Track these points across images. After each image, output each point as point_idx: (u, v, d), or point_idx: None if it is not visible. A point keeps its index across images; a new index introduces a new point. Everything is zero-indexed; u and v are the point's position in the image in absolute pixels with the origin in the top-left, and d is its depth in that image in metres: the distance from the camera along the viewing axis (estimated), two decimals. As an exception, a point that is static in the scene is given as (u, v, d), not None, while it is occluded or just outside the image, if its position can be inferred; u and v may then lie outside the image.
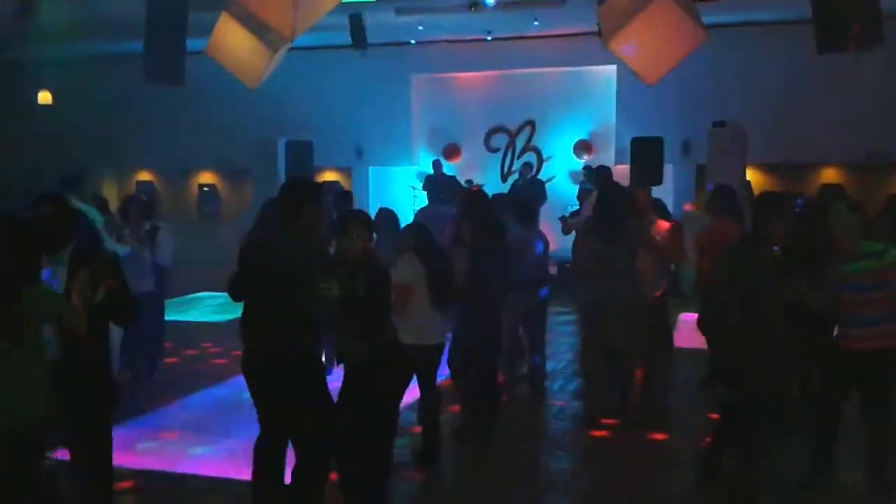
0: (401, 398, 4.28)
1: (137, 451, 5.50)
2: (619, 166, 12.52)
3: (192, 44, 8.29)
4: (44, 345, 3.40)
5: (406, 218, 12.70)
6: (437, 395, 5.21)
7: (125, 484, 4.90)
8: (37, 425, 3.34)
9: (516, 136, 15.44)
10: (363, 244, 4.10)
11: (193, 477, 5.10)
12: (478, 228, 5.56)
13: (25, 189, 10.19)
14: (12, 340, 3.25)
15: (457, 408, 6.09)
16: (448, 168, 14.61)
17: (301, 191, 4.11)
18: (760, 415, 4.25)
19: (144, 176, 17.14)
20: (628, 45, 6.43)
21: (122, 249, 6.57)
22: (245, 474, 4.29)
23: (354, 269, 4.04)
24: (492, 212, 5.98)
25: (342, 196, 8.41)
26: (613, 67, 13.45)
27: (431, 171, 14.12)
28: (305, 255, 3.96)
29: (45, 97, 14.16)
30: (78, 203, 6.44)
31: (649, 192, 6.85)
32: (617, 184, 7.65)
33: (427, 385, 5.15)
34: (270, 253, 4.02)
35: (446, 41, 14.94)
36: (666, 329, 6.96)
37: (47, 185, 7.74)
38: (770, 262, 4.31)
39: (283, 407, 4.05)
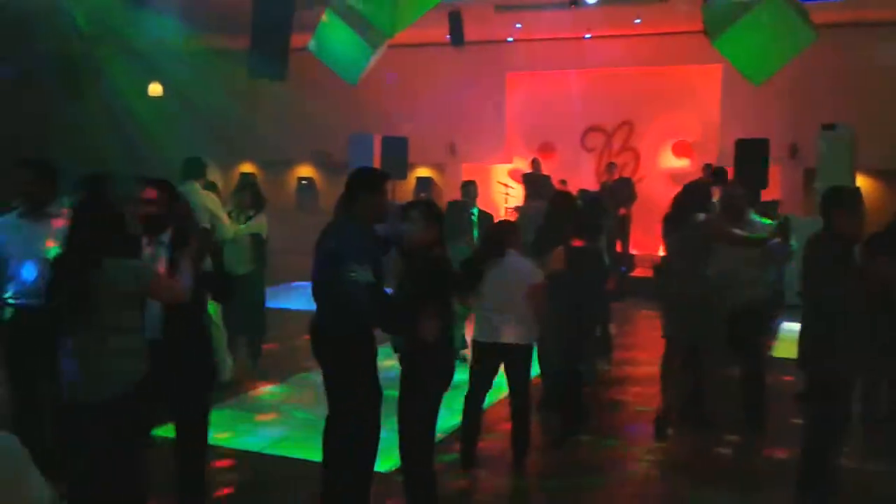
0: (438, 390, 4.12)
1: (235, 431, 5.70)
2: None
3: (296, 40, 8.52)
4: (123, 319, 3.48)
5: (498, 215, 12.72)
6: (523, 394, 5.19)
7: (223, 462, 5.09)
8: (120, 400, 3.42)
9: (613, 136, 15.21)
10: (425, 234, 4.05)
11: (287, 459, 5.24)
12: (573, 228, 5.53)
13: (137, 177, 10.66)
14: (89, 313, 3.38)
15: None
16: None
17: (359, 179, 4.11)
18: (835, 407, 4.25)
19: (247, 167, 17.72)
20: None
21: (225, 231, 6.89)
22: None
23: (412, 257, 4.05)
24: (585, 212, 5.97)
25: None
26: (719, 66, 13.08)
27: (526, 170, 14.05)
28: (352, 239, 3.95)
29: (155, 89, 14.79)
30: (199, 190, 6.75)
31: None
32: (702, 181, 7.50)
33: (517, 385, 5.14)
34: (322, 236, 4.08)
35: (544, 39, 14.85)
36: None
37: (155, 174, 8.08)
38: (835, 254, 4.28)
39: (328, 388, 4.11)
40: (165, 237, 3.90)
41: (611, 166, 13.54)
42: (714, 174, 9.45)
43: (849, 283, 4.27)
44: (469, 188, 8.66)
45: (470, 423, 5.08)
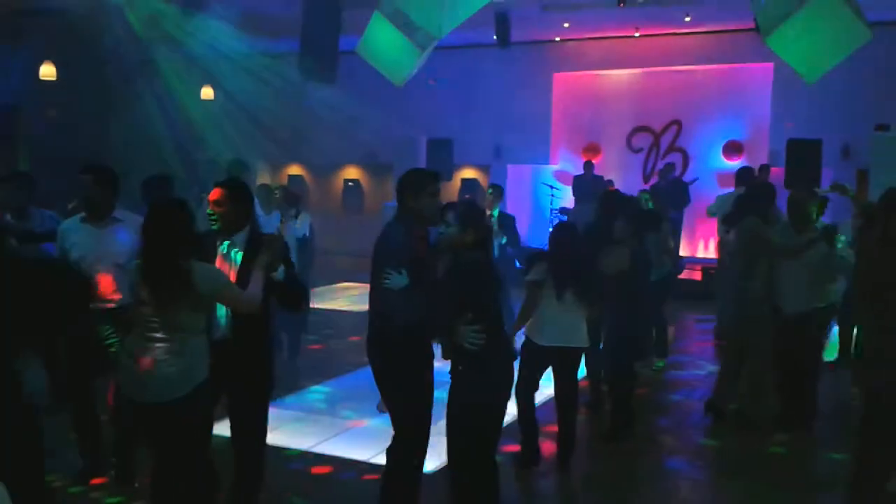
0: (487, 401, 3.97)
1: (282, 430, 5.78)
2: (773, 169, 11.97)
3: (344, 42, 8.63)
4: (198, 322, 3.55)
5: (543, 216, 12.68)
6: (575, 396, 5.18)
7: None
8: (184, 401, 3.46)
9: (661, 136, 15.03)
10: (461, 237, 3.94)
11: (334, 457, 5.30)
12: (634, 226, 5.53)
13: (189, 178, 10.91)
14: (169, 315, 3.44)
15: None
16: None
17: (404, 181, 4.07)
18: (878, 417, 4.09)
19: (295, 170, 17.93)
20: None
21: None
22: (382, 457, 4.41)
23: (449, 260, 3.98)
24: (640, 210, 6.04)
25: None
26: (770, 65, 12.86)
27: (573, 172, 13.97)
28: (390, 243, 3.93)
29: (207, 92, 15.05)
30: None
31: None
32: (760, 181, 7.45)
33: (569, 387, 5.13)
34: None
35: (592, 38, 14.74)
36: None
37: (208, 175, 8.28)
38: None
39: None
40: (240, 238, 3.87)
41: (668, 167, 13.40)
42: (738, 174, 9.23)
43: None
44: (494, 191, 8.61)
45: (526, 421, 5.09)
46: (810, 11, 6.12)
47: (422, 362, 4.05)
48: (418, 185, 4.03)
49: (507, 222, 8.27)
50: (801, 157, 10.90)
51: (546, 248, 5.25)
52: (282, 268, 3.83)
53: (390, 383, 4.03)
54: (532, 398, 5.10)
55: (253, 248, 3.81)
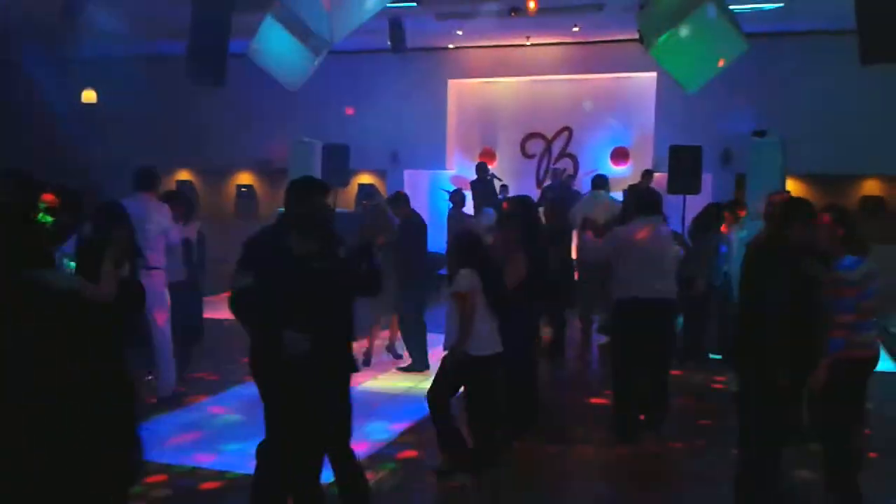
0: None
1: (169, 445, 5.58)
2: (657, 174, 12.47)
3: (234, 45, 8.42)
4: None
5: (440, 221, 12.73)
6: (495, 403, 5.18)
7: (156, 478, 4.96)
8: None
9: (552, 142, 15.40)
10: (304, 244, 3.92)
11: (223, 473, 5.14)
12: (530, 235, 5.62)
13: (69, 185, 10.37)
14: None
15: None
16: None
17: (290, 187, 4.10)
18: (758, 409, 4.33)
19: (184, 175, 17.39)
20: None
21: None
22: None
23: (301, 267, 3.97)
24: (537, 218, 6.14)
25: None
26: (653, 75, 13.37)
27: (469, 177, 14.06)
28: (249, 244, 4.06)
29: (89, 96, 14.42)
30: (151, 201, 6.48)
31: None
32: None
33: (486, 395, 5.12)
34: None
35: (485, 46, 14.97)
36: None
37: (88, 182, 7.90)
38: (778, 263, 4.31)
39: None
40: (69, 247, 3.76)
41: (555, 172, 13.72)
42: (594, 180, 9.84)
43: (793, 289, 4.26)
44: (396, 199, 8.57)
45: (448, 431, 5.02)
46: (690, 24, 6.41)
47: (279, 363, 3.87)
48: (303, 193, 4.02)
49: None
50: (683, 162, 11.38)
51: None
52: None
53: (257, 384, 3.98)
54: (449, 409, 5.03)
55: (86, 255, 3.71)
